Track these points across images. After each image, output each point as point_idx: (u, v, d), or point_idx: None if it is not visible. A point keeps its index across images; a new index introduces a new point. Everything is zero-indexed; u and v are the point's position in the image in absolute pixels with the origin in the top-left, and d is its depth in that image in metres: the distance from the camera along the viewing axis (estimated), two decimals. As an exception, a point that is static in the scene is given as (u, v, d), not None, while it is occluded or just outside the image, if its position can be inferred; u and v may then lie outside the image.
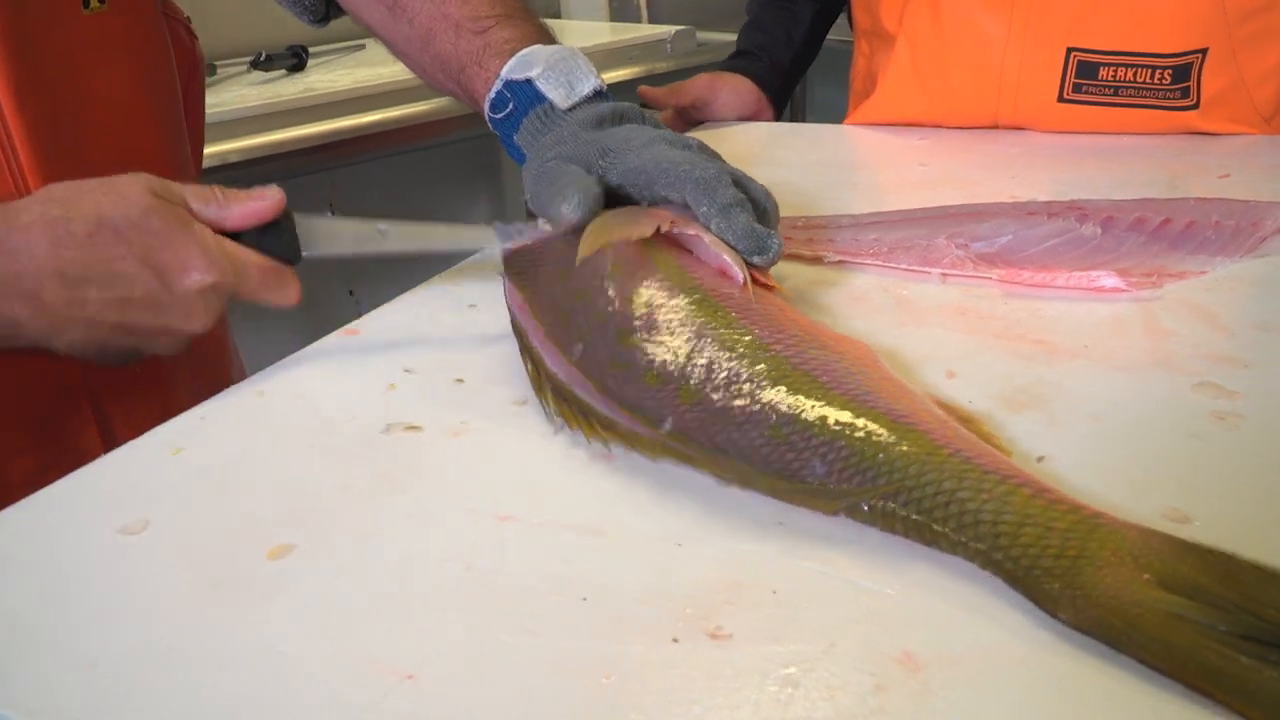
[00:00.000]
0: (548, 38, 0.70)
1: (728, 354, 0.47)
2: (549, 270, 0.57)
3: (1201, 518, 0.41)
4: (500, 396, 0.54)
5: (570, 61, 0.67)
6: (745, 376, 0.46)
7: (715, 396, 0.46)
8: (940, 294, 0.64)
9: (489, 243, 0.63)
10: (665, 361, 0.48)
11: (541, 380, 0.51)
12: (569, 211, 0.57)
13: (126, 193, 0.52)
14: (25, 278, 0.51)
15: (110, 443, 0.54)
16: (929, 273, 0.66)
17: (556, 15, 2.20)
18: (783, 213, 0.78)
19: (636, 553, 0.41)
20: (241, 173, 1.37)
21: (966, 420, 0.46)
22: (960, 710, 0.33)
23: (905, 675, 0.34)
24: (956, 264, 0.66)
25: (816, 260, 0.69)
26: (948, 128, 1.04)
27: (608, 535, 0.42)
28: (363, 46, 1.75)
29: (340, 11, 0.80)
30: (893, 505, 0.40)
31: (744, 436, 0.44)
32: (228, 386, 0.57)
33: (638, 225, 0.55)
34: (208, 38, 1.67)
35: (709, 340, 0.48)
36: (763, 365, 0.46)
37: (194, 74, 0.85)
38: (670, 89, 1.15)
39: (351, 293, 1.73)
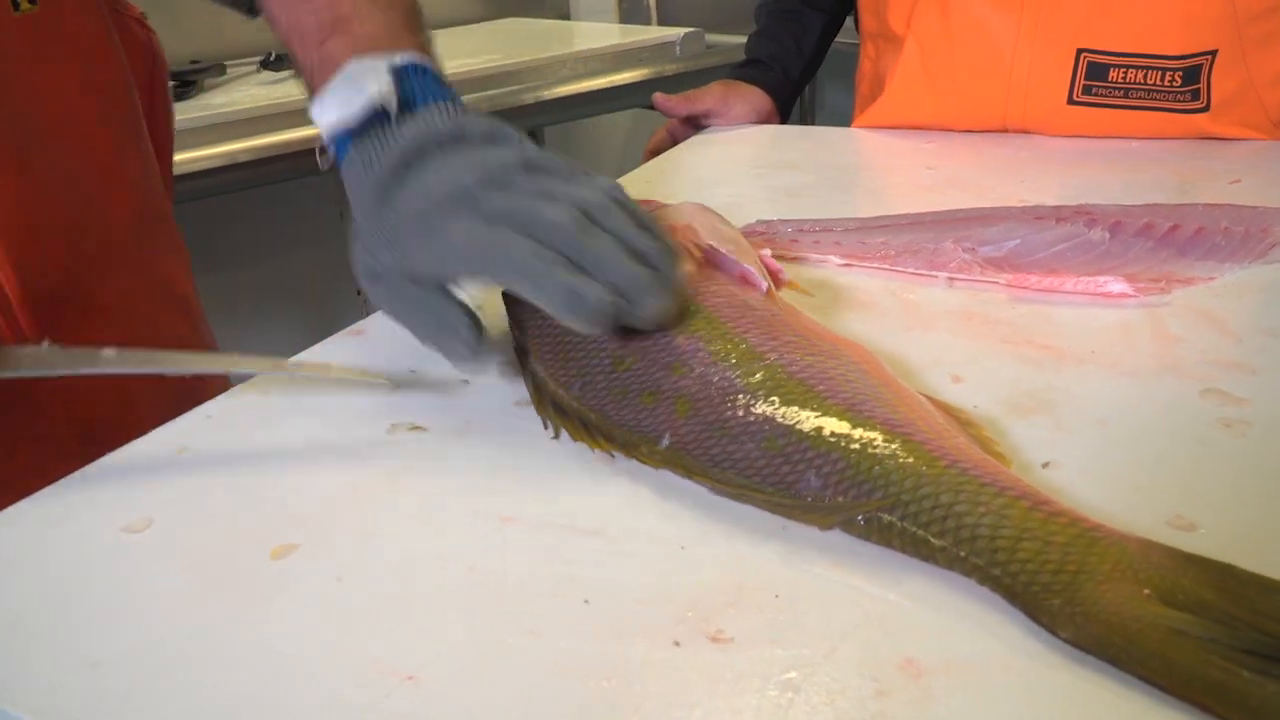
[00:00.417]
0: (392, 37, 0.54)
1: (721, 365, 0.47)
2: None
3: (1206, 525, 0.41)
4: (504, 398, 0.54)
5: (357, 79, 0.52)
6: (739, 387, 0.45)
7: (710, 409, 0.45)
8: (947, 298, 0.64)
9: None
10: (659, 379, 0.48)
11: (543, 399, 0.51)
12: (466, 352, 0.49)
13: None
14: None
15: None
16: (936, 277, 0.66)
17: (566, 17, 2.21)
18: (790, 215, 0.78)
19: (639, 555, 0.41)
20: (251, 172, 1.38)
21: (967, 425, 0.46)
22: (961, 718, 0.33)
23: (906, 681, 0.34)
24: (963, 268, 0.66)
25: (822, 263, 0.69)
26: (956, 131, 1.04)
27: (610, 537, 0.42)
28: (373, 47, 1.75)
29: None
30: (889, 519, 0.39)
31: (740, 449, 0.44)
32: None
33: None
34: (217, 39, 1.68)
35: (702, 352, 0.48)
36: (758, 375, 0.46)
37: (154, 70, 0.82)
38: (684, 97, 1.16)
39: (359, 292, 1.73)
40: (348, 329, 0.63)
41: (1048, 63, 0.97)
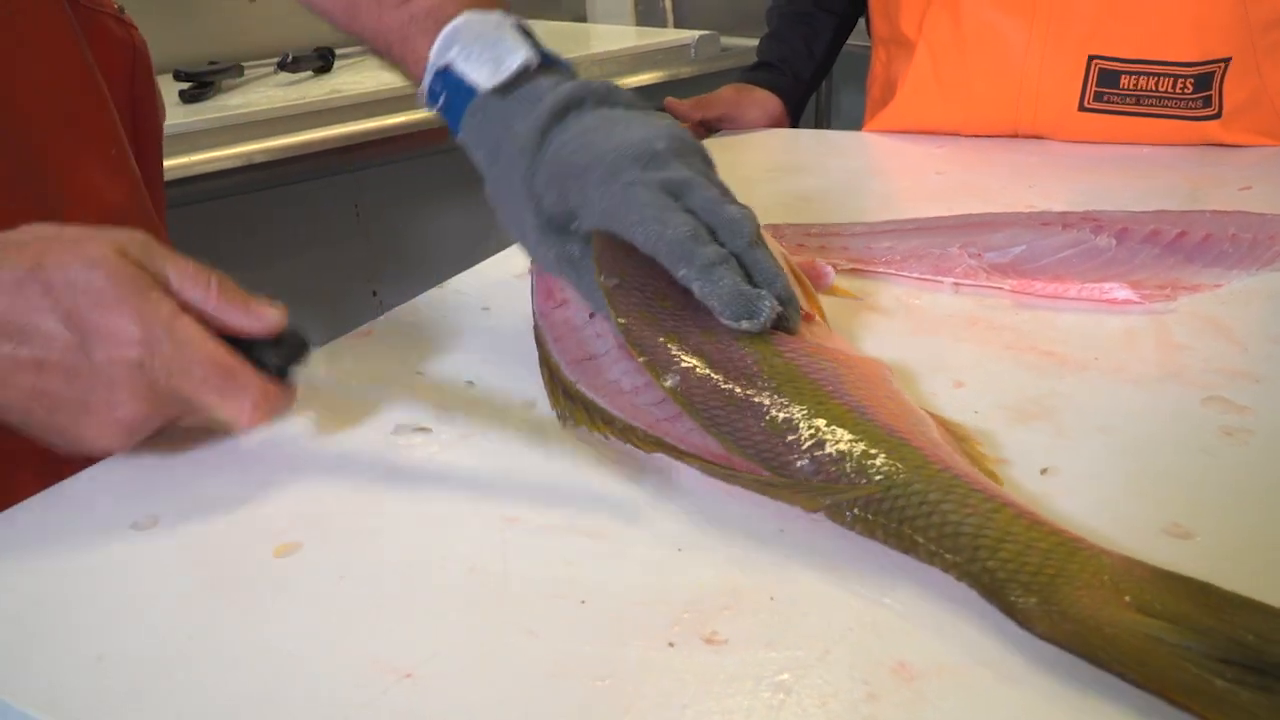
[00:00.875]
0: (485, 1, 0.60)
1: (743, 348, 0.48)
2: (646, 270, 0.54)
3: (1203, 534, 0.41)
4: (509, 399, 0.54)
5: (495, 32, 0.57)
6: (755, 370, 0.47)
7: (722, 376, 0.47)
8: (952, 303, 0.64)
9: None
10: (686, 331, 0.49)
11: (555, 386, 0.53)
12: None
13: (86, 246, 0.46)
14: None
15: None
16: (941, 282, 0.66)
17: (582, 19, 2.21)
18: (798, 219, 0.78)
19: (637, 556, 0.41)
20: (268, 173, 1.38)
21: (964, 440, 0.46)
22: (951, 720, 0.33)
23: (898, 684, 0.34)
24: (969, 273, 0.66)
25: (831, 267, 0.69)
26: (966, 136, 1.04)
27: (609, 538, 0.43)
28: (389, 49, 1.76)
29: None
30: (875, 509, 0.40)
31: (741, 419, 0.45)
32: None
33: None
34: (234, 40, 1.69)
35: (729, 334, 0.49)
36: (775, 364, 0.47)
37: (136, 66, 0.79)
38: (696, 102, 1.16)
39: (375, 293, 1.75)
40: (356, 330, 0.64)
41: (1059, 70, 0.97)
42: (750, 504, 0.44)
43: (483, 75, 0.56)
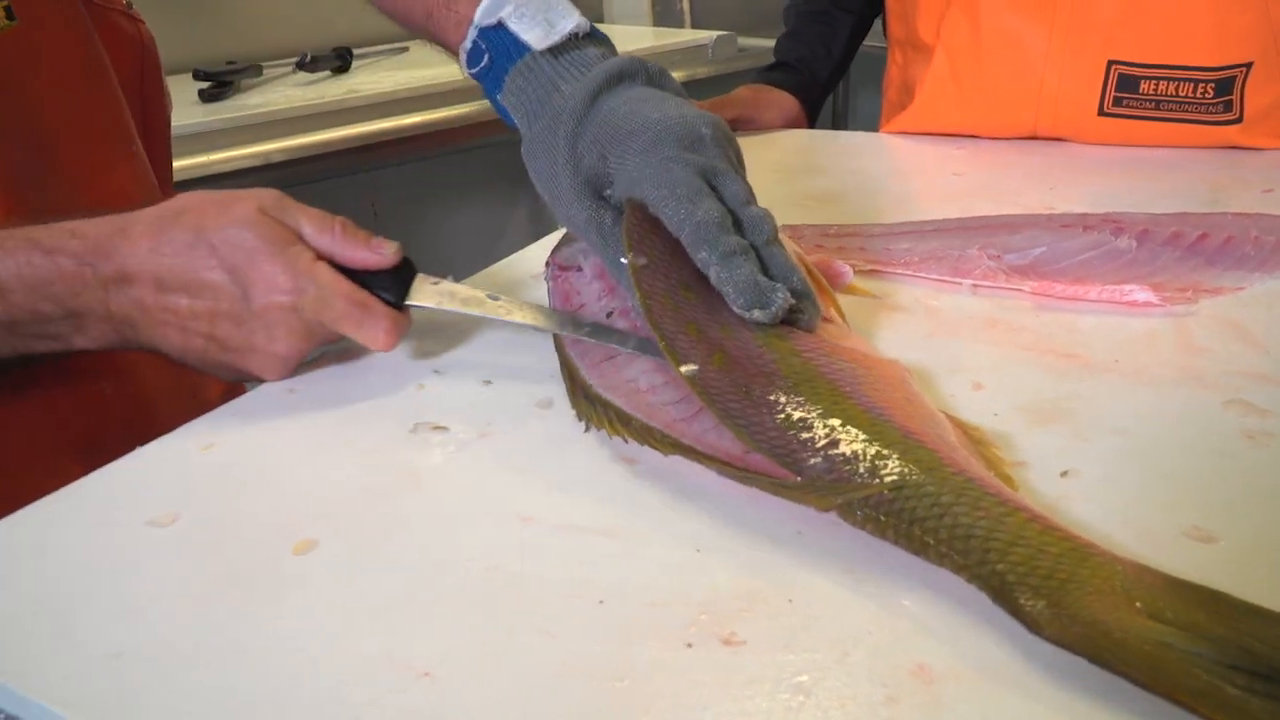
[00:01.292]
0: None
1: (763, 346, 0.49)
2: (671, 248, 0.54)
3: (1225, 538, 0.41)
4: (526, 399, 0.54)
5: (543, 4, 0.59)
6: (773, 369, 0.47)
7: (741, 373, 0.47)
8: (971, 305, 0.64)
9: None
10: (707, 324, 0.50)
11: (575, 388, 0.53)
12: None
13: (234, 208, 0.54)
14: (130, 279, 0.53)
15: None
16: (960, 283, 0.66)
17: (600, 19, 2.22)
18: (816, 220, 0.78)
19: (654, 557, 0.41)
20: (286, 172, 1.39)
21: (981, 444, 0.46)
22: (971, 724, 0.33)
23: (917, 687, 0.34)
24: (988, 275, 0.66)
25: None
26: (985, 138, 1.03)
27: (626, 539, 0.43)
28: (406, 49, 1.77)
29: None
30: (887, 510, 0.40)
31: (757, 414, 0.45)
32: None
33: None
34: (253, 40, 1.70)
35: (748, 331, 0.50)
36: (793, 363, 0.48)
37: (144, 63, 0.81)
38: (713, 104, 1.15)
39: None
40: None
41: (1078, 75, 0.96)
42: (768, 506, 0.43)
43: (535, 36, 0.59)
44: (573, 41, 0.59)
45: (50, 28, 0.69)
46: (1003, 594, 0.36)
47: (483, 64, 0.60)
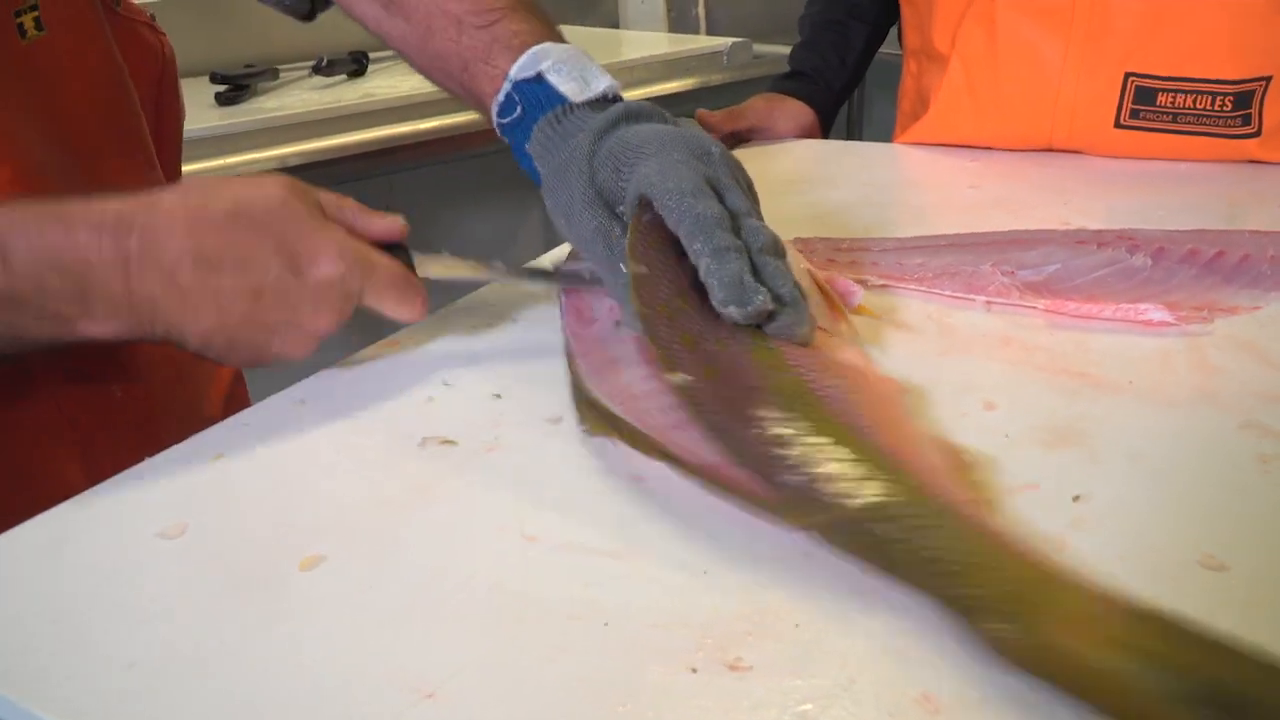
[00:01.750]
0: (559, 35, 0.65)
1: (754, 361, 0.49)
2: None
3: (1238, 565, 0.40)
4: (535, 414, 0.54)
5: (582, 59, 0.63)
6: (761, 384, 0.48)
7: (728, 385, 0.48)
8: (984, 322, 0.63)
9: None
10: (700, 333, 0.51)
11: (583, 401, 0.53)
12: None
13: (264, 186, 0.54)
14: (164, 257, 0.50)
15: (95, 477, 0.51)
16: (974, 300, 0.66)
17: (615, 25, 2.21)
18: (828, 231, 0.78)
19: (660, 579, 0.41)
20: (302, 175, 1.39)
21: (967, 468, 0.46)
22: (977, 755, 0.32)
23: (923, 716, 0.34)
24: (1002, 292, 0.65)
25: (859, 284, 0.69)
26: (1000, 150, 1.03)
27: (632, 560, 0.42)
28: (423, 53, 1.77)
29: (327, 4, 0.77)
30: (858, 531, 0.40)
31: (741, 429, 0.45)
32: (218, 420, 0.56)
33: None
34: (270, 43, 1.70)
35: (742, 345, 0.50)
36: (783, 379, 0.48)
37: (163, 74, 0.81)
38: (727, 113, 1.15)
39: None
40: (384, 339, 0.64)
41: (1095, 86, 0.96)
42: (776, 528, 0.43)
43: (571, 89, 0.61)
44: (603, 101, 0.62)
45: (76, 38, 0.70)
46: (969, 618, 0.36)
47: (515, 115, 0.63)
